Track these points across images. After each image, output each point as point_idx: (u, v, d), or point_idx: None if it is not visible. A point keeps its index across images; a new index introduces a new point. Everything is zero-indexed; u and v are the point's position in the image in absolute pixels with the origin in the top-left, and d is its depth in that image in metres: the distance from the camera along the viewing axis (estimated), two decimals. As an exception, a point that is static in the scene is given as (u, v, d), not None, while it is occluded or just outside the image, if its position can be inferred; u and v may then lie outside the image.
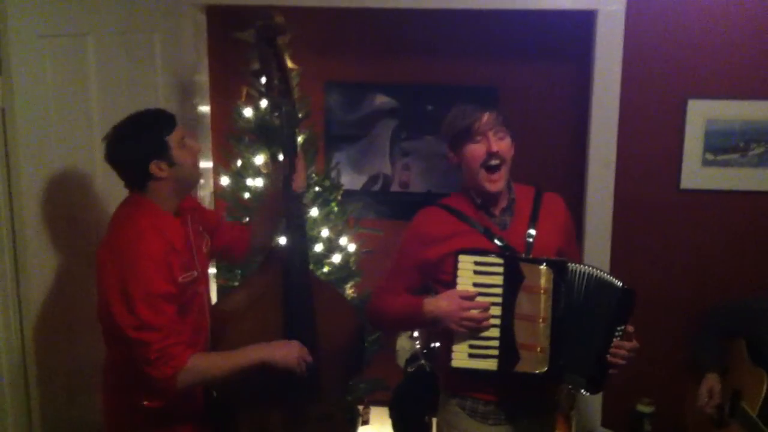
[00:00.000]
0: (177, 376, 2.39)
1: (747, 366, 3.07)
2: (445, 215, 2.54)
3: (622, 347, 2.42)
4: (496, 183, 2.47)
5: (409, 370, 3.51)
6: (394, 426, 3.62)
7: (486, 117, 2.44)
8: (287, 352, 2.60)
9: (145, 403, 2.48)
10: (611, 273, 2.46)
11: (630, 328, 2.44)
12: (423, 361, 3.52)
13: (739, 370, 3.11)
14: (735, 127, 3.52)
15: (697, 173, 3.59)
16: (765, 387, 2.92)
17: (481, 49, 3.91)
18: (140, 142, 2.44)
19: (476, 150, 2.45)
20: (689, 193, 3.62)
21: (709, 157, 3.56)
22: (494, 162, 2.45)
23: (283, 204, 2.80)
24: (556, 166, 3.93)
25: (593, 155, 3.63)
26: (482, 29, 3.87)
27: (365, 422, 3.90)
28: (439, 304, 2.42)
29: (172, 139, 2.47)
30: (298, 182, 2.79)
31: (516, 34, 3.86)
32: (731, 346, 3.19)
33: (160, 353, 2.37)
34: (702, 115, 3.52)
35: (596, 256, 3.64)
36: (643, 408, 3.73)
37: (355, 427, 3.73)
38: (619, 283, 2.43)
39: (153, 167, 2.44)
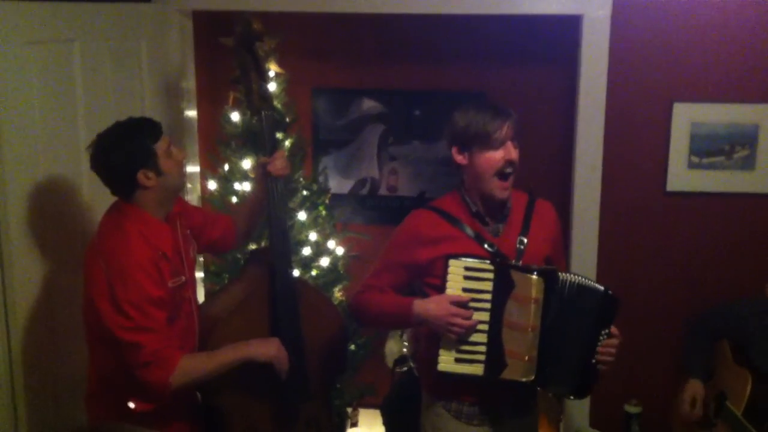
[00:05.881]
0: (170, 379, 2.40)
1: (731, 367, 3.09)
2: (437, 218, 2.53)
3: (607, 349, 2.44)
4: (506, 191, 2.48)
5: (398, 370, 3.52)
6: (387, 429, 3.63)
7: (507, 127, 2.44)
8: (267, 348, 2.62)
9: (132, 405, 2.48)
10: (596, 279, 2.48)
11: (614, 330, 2.46)
12: (412, 364, 3.53)
13: (724, 371, 3.14)
14: (720, 130, 3.54)
15: (683, 176, 3.60)
16: (749, 387, 2.95)
17: (469, 54, 3.93)
18: (127, 152, 2.42)
19: (493, 157, 2.44)
20: (675, 195, 3.63)
21: (695, 159, 3.58)
22: (509, 170, 2.46)
23: (265, 204, 2.81)
24: (543, 170, 3.95)
25: (580, 159, 3.64)
26: (469, 34, 3.88)
27: (354, 424, 3.91)
28: (428, 307, 2.42)
29: (159, 147, 2.46)
30: (275, 166, 2.75)
31: (503, 39, 3.88)
32: (715, 349, 3.22)
33: (153, 356, 2.38)
34: (687, 118, 3.54)
35: (583, 260, 3.65)
36: (631, 409, 3.74)
37: (343, 429, 3.74)
38: (602, 288, 2.45)
39: (141, 176, 2.43)
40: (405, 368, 3.55)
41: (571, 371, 2.46)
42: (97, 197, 2.94)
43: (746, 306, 3.12)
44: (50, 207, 2.81)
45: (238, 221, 2.93)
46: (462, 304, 2.40)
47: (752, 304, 3.08)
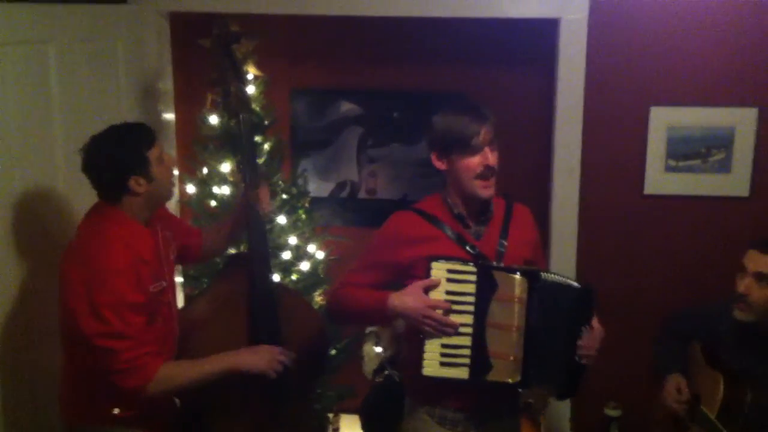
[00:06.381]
0: (147, 387, 2.38)
1: (703, 370, 3.10)
2: (419, 219, 2.54)
3: (587, 341, 2.46)
4: (489, 189, 2.49)
5: (377, 380, 3.50)
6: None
7: (484, 132, 2.45)
8: (258, 359, 2.60)
9: (116, 412, 2.46)
10: (576, 278, 2.50)
11: (595, 323, 2.48)
12: (389, 371, 3.52)
13: (697, 374, 3.14)
14: (696, 134, 3.57)
15: (660, 179, 3.63)
16: (722, 389, 2.95)
17: (448, 55, 3.93)
18: (121, 157, 2.40)
19: (472, 162, 2.45)
20: (653, 198, 3.66)
21: (672, 163, 3.61)
22: (488, 174, 2.47)
23: (243, 213, 2.80)
24: (521, 173, 3.95)
25: (558, 162, 3.66)
26: (449, 36, 3.89)
27: (335, 430, 3.88)
28: (404, 299, 2.42)
29: (152, 154, 2.45)
30: (263, 207, 2.81)
31: (482, 41, 3.88)
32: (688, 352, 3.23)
33: (128, 363, 2.36)
34: (664, 122, 3.57)
35: (562, 262, 3.67)
36: (611, 412, 3.76)
37: (324, 435, 3.72)
38: (576, 284, 2.48)
39: (132, 183, 2.42)
40: (382, 378, 3.53)
41: (556, 369, 2.47)
42: (73, 199, 2.91)
43: (714, 306, 3.14)
44: (26, 208, 2.77)
45: (208, 237, 2.93)
46: (435, 287, 2.40)
47: (720, 304, 3.09)
